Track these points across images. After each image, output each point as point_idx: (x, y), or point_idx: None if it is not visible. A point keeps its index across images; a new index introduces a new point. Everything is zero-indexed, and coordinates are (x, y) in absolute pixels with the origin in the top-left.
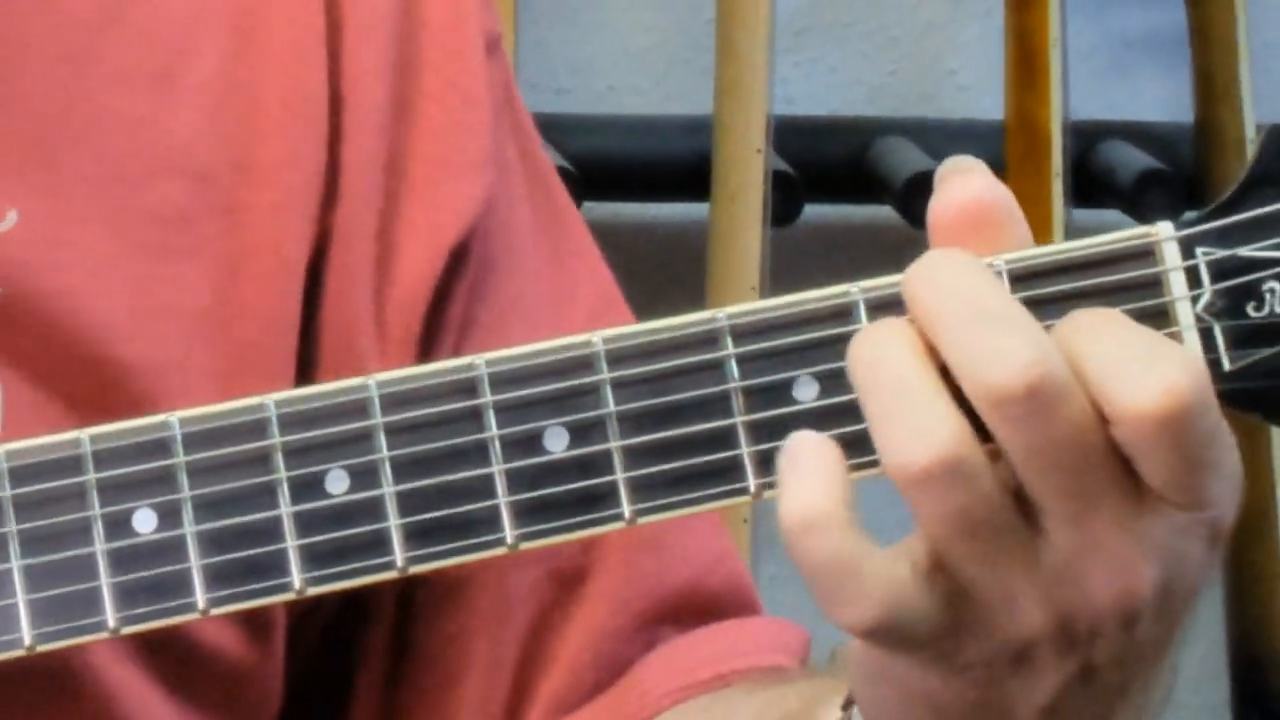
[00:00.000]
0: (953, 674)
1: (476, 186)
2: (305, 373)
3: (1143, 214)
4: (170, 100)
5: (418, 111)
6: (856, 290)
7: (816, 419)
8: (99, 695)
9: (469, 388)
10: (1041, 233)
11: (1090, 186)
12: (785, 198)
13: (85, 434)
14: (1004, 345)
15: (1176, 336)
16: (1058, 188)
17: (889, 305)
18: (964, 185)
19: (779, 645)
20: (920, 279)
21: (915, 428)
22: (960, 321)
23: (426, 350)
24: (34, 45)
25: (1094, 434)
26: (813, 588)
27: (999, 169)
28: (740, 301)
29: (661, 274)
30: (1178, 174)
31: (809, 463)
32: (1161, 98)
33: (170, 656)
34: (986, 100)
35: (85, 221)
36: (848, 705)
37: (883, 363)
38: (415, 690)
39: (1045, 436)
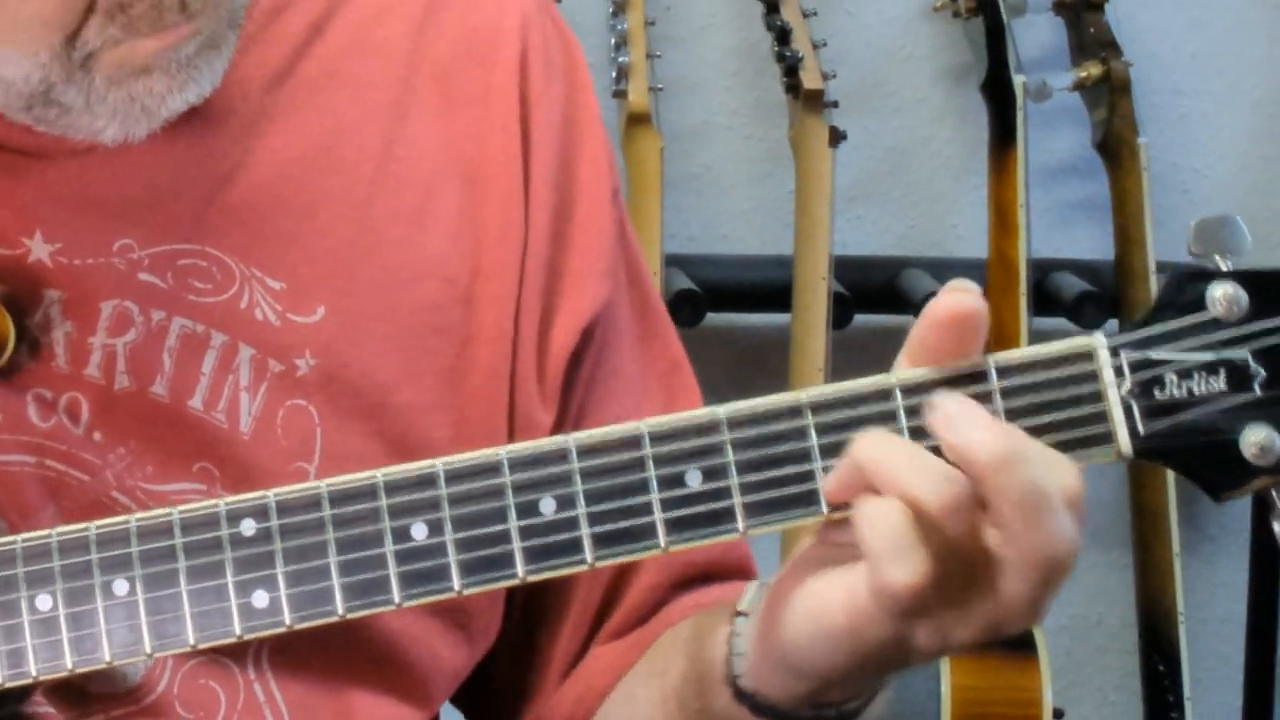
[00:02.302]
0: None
1: (601, 288)
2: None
3: (1080, 321)
4: (426, 227)
5: (570, 238)
6: (894, 379)
7: None
8: (383, 636)
9: (635, 442)
10: (1012, 332)
11: (1045, 302)
12: (841, 311)
13: (379, 472)
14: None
15: (1107, 412)
16: (1024, 303)
17: (917, 389)
18: (960, 297)
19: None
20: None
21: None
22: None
23: (566, 398)
24: (332, 195)
25: None
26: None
27: (983, 292)
28: (811, 383)
29: (759, 363)
30: (1104, 295)
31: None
32: (1092, 243)
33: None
34: (976, 245)
35: (371, 312)
36: (734, 617)
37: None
38: (542, 621)
39: None
